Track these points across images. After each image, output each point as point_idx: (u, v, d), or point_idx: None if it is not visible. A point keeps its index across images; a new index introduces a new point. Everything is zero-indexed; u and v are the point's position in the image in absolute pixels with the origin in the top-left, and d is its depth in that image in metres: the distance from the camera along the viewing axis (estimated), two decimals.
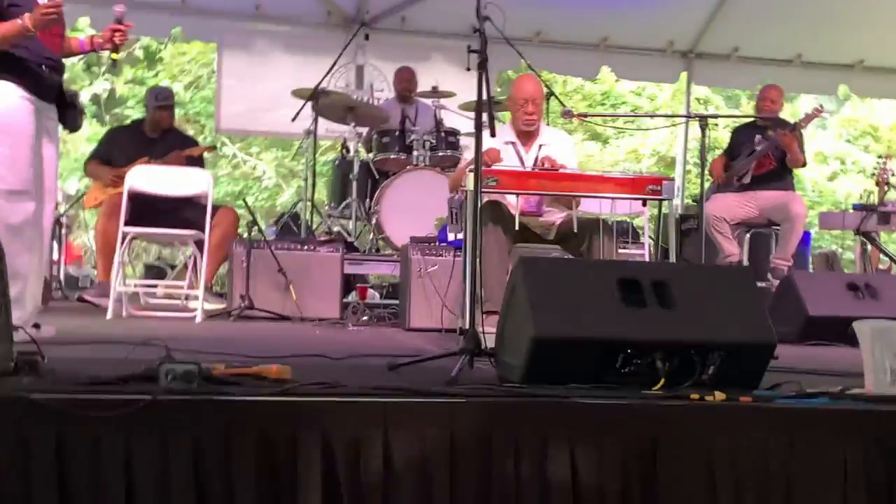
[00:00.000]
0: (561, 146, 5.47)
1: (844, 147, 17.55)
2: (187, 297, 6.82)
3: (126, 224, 6.05)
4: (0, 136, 4.06)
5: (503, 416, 2.67)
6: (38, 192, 4.22)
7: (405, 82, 8.58)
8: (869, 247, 7.85)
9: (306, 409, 2.54)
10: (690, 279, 3.20)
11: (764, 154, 7.52)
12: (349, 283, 7.35)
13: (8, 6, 4.11)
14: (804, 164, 7.78)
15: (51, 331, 4.14)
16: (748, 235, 7.76)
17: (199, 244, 6.39)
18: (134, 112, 14.54)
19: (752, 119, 7.93)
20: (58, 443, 2.35)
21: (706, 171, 5.66)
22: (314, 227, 7.92)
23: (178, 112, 8.84)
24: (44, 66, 4.23)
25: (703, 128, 5.22)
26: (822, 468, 2.77)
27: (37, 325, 4.02)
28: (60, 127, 4.45)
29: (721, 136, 13.02)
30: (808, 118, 7.44)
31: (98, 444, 2.37)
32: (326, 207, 8.37)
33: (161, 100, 7.40)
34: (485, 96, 3.71)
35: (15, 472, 2.32)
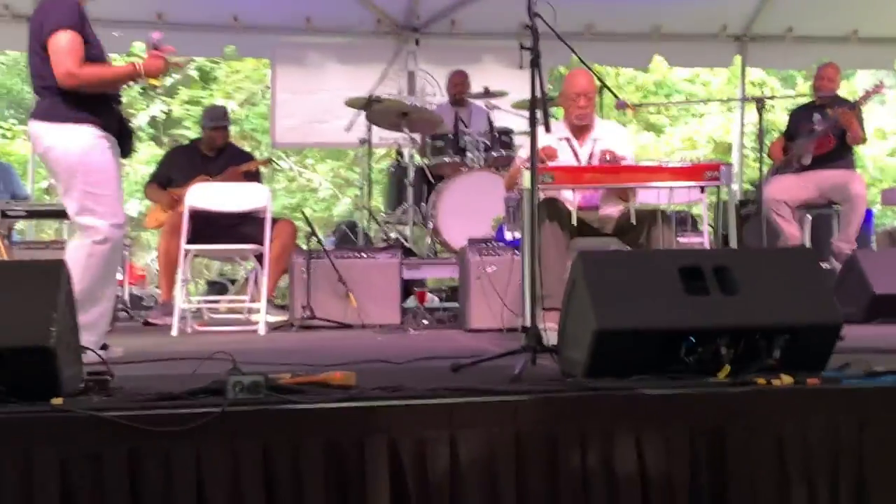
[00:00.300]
0: (616, 138, 5.44)
1: None
2: (250, 311, 6.89)
3: (188, 242, 6.13)
4: (91, 177, 4.20)
5: (568, 412, 2.65)
6: (123, 215, 4.41)
7: (458, 86, 8.57)
8: None
9: (372, 414, 2.55)
10: (752, 263, 3.15)
11: (824, 134, 7.40)
12: (408, 288, 7.37)
13: (85, 43, 4.23)
14: (864, 141, 7.63)
15: (118, 351, 4.22)
16: (810, 217, 7.65)
17: (260, 258, 6.46)
18: (191, 132, 14.72)
19: (809, 99, 7.82)
20: (130, 458, 2.38)
21: (765, 154, 5.58)
22: (371, 234, 7.96)
23: (233, 129, 8.94)
24: (113, 103, 4.36)
25: (760, 110, 5.17)
26: (894, 448, 2.72)
27: (105, 346, 4.10)
28: None
29: (778, 118, 12.85)
30: (868, 94, 7.30)
31: (169, 457, 2.40)
32: (383, 214, 8.40)
33: (215, 119, 7.49)
34: (538, 93, 3.70)
35: (89, 489, 2.36)
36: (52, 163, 4.28)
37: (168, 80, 15.27)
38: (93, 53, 4.26)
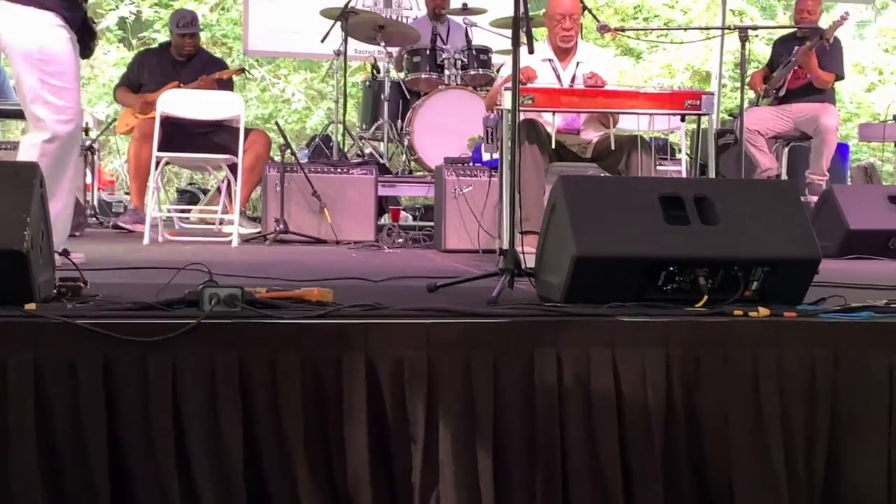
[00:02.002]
0: (599, 62, 5.38)
1: (882, 57, 17.16)
2: (222, 222, 6.84)
3: (159, 149, 6.04)
4: (49, 66, 4.07)
5: (546, 335, 2.65)
6: (80, 111, 4.27)
7: (439, 1, 8.43)
8: None
9: (350, 332, 2.53)
10: (733, 194, 3.14)
11: (798, 65, 7.38)
12: (381, 205, 7.34)
13: None
14: (839, 79, 7.59)
15: (79, 258, 4.16)
16: (786, 149, 7.66)
17: (233, 168, 6.39)
18: (160, 35, 14.44)
19: (793, 30, 7.77)
20: (105, 367, 2.36)
21: (745, 85, 5.55)
22: (346, 149, 7.89)
23: (204, 35, 8.78)
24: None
25: (743, 40, 5.12)
26: (868, 382, 2.74)
27: (65, 252, 4.03)
28: None
29: (756, 48, 12.78)
30: (833, 27, 7.25)
31: (144, 366, 2.38)
32: (358, 129, 8.33)
33: (182, 27, 7.31)
34: (522, 12, 3.64)
35: (63, 396, 2.34)
36: (7, 46, 4.13)
37: None
38: None
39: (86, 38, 4.35)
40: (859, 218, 5.73)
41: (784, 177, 7.56)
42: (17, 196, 2.65)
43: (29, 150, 4.08)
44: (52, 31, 4.09)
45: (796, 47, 7.47)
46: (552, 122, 4.90)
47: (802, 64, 7.23)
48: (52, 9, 4.09)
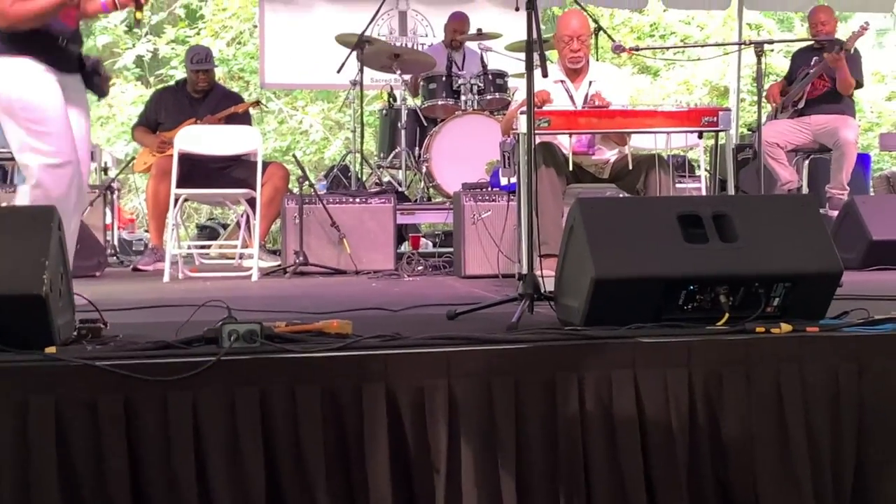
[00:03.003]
0: (611, 81, 5.38)
1: None
2: (242, 256, 6.86)
3: (177, 186, 6.07)
4: (29, 112, 4.09)
5: (567, 360, 2.64)
6: (72, 156, 4.22)
7: (458, 29, 8.43)
8: None
9: (369, 362, 2.52)
10: (751, 210, 3.12)
11: (817, 76, 7.35)
12: (401, 233, 7.34)
13: None
14: (858, 86, 7.56)
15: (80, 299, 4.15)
16: (807, 162, 7.62)
17: (251, 202, 6.41)
18: (178, 72, 14.56)
19: (807, 42, 7.75)
20: (126, 408, 2.36)
21: (763, 98, 5.53)
22: (364, 178, 7.91)
23: (221, 69, 8.84)
24: (61, 39, 4.22)
25: (759, 54, 5.10)
26: (894, 394, 2.71)
27: None
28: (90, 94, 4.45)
29: (773, 62, 12.74)
30: (854, 37, 7.23)
31: (165, 406, 2.38)
32: (376, 158, 8.35)
33: (196, 63, 7.36)
34: (535, 36, 3.64)
35: (85, 438, 2.34)
36: None
37: (149, 14, 15.08)
38: None
39: (91, 78, 4.36)
40: (882, 228, 5.69)
41: (805, 189, 7.52)
42: (35, 239, 2.66)
43: (20, 198, 4.11)
44: (30, 77, 4.11)
45: (815, 58, 7.44)
46: (568, 144, 4.89)
47: (834, 66, 7.17)
48: (28, 54, 4.11)
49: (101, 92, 4.47)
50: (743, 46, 7.17)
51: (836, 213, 6.60)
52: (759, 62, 5.14)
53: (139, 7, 4.29)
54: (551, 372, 2.60)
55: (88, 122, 4.44)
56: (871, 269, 5.55)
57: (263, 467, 2.41)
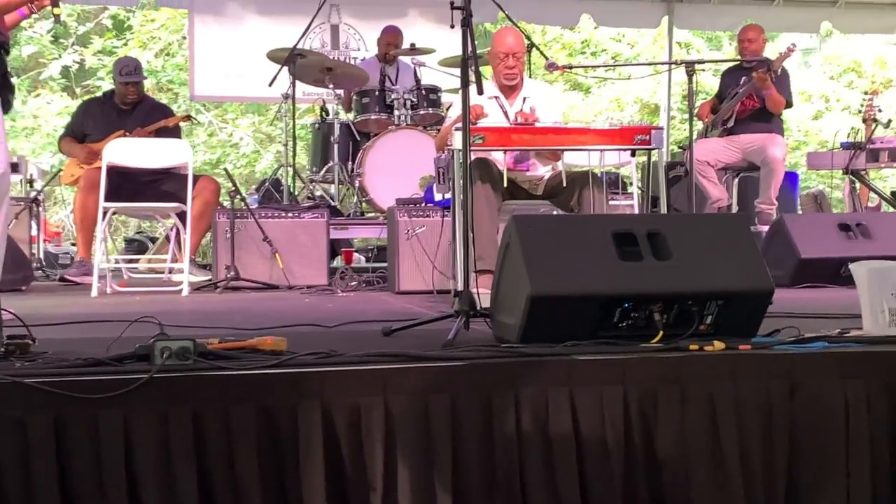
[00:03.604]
0: (545, 98, 5.41)
1: (829, 85, 17.44)
2: (171, 271, 6.76)
3: (106, 199, 5.96)
4: None
5: (503, 378, 2.64)
6: None
7: (391, 43, 8.42)
8: (858, 185, 7.82)
9: (305, 380, 2.50)
10: (685, 229, 3.16)
11: (746, 95, 7.48)
12: (333, 247, 7.30)
13: None
14: (787, 106, 7.71)
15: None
16: (736, 180, 7.74)
17: (181, 216, 6.33)
18: (105, 83, 14.36)
19: (736, 62, 7.88)
20: (56, 425, 2.31)
21: (694, 117, 5.61)
22: (296, 192, 7.86)
23: (150, 81, 8.73)
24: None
25: (690, 74, 5.18)
26: (825, 412, 2.75)
27: None
28: None
29: (703, 79, 12.93)
30: (781, 58, 7.38)
31: (96, 424, 2.34)
32: (308, 172, 8.30)
33: (125, 74, 7.24)
34: (470, 52, 3.65)
35: (14, 457, 2.28)
36: None
37: (75, 25, 14.86)
38: None
39: (4, 92, 4.27)
40: (810, 247, 5.79)
41: (735, 207, 7.63)
42: None
43: None
44: None
45: (743, 78, 7.57)
46: (503, 160, 4.91)
47: (759, 84, 7.30)
48: None
49: (8, 105, 4.35)
50: (674, 66, 7.29)
51: (765, 227, 6.71)
52: (690, 81, 5.21)
53: (55, 3, 4.21)
54: (488, 389, 2.60)
55: (2, 127, 4.34)
56: (801, 287, 5.64)
57: (197, 487, 2.37)
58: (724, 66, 8.52)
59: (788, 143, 9.85)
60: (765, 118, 7.55)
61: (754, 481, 2.68)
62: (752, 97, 7.50)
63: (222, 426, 2.42)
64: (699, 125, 7.77)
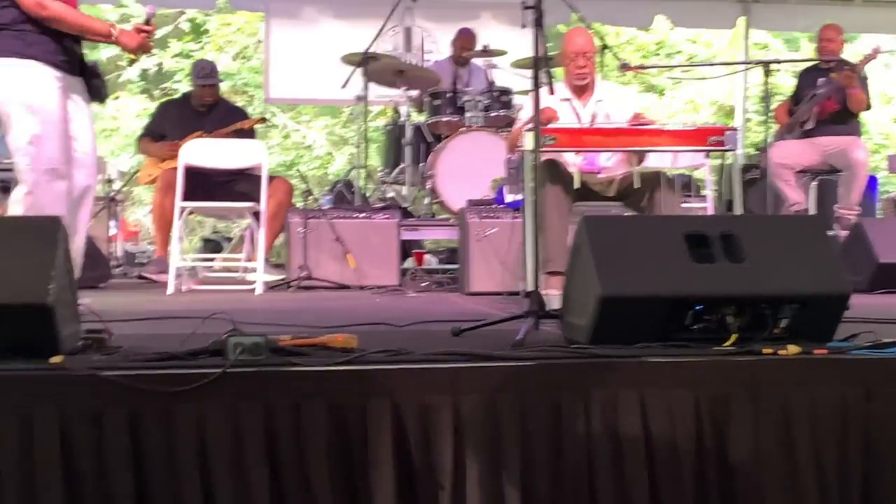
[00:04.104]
0: (618, 100, 5.37)
1: None
2: (245, 270, 6.85)
3: (182, 199, 6.06)
4: (30, 116, 4.09)
5: (572, 378, 2.63)
6: (68, 170, 4.24)
7: (466, 45, 8.41)
8: None
9: (375, 378, 2.52)
10: (759, 231, 3.11)
11: (826, 97, 7.34)
12: (404, 249, 7.33)
13: None
14: (868, 107, 7.56)
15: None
16: (814, 183, 7.61)
17: (256, 216, 6.41)
18: (182, 86, 14.59)
19: (816, 62, 7.74)
20: (131, 418, 2.36)
21: (770, 118, 5.53)
22: (368, 194, 7.90)
23: (226, 84, 8.84)
24: (66, 40, 4.23)
25: (766, 74, 5.11)
26: None
27: None
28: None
29: (779, 81, 12.73)
30: (865, 60, 7.24)
31: (171, 418, 2.38)
32: (380, 174, 8.34)
33: (202, 77, 7.34)
34: (541, 53, 3.64)
35: (90, 449, 2.33)
36: None
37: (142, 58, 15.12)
38: None
39: (94, 83, 4.36)
40: (890, 251, 5.68)
41: (812, 211, 7.50)
42: (41, 250, 2.66)
43: (13, 206, 4.10)
44: (35, 81, 4.12)
45: (821, 79, 7.43)
46: (575, 161, 4.89)
47: (845, 85, 7.16)
48: (35, 57, 4.11)
49: (101, 96, 4.46)
50: (750, 66, 7.19)
51: (845, 232, 6.58)
52: (766, 82, 5.14)
53: (134, 51, 4.32)
54: (557, 390, 2.59)
55: (92, 123, 4.44)
56: (879, 293, 5.53)
57: (268, 481, 2.40)
58: (801, 67, 8.37)
59: (868, 147, 9.65)
60: (845, 120, 7.40)
61: (829, 488, 2.63)
62: (831, 98, 7.36)
63: (293, 422, 2.44)
64: (775, 127, 7.64)
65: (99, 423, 2.34)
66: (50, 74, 4.16)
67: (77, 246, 4.19)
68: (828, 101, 7.34)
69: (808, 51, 14.98)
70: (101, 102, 4.52)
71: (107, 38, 4.20)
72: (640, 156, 5.03)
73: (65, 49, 4.22)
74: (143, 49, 4.32)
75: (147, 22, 4.34)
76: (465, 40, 8.46)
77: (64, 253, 2.74)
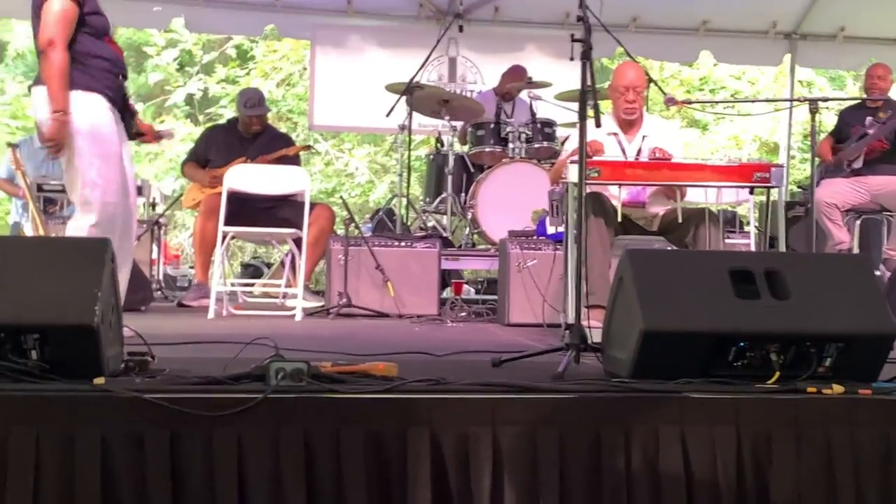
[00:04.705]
0: (664, 135, 5.35)
1: None
2: (285, 296, 6.87)
3: (225, 223, 6.11)
4: (97, 148, 4.17)
5: (613, 412, 2.62)
6: (120, 194, 4.33)
7: (516, 82, 8.38)
8: None
9: (415, 406, 2.52)
10: (804, 268, 3.09)
11: (875, 137, 7.26)
12: (443, 278, 7.33)
13: (89, 13, 4.20)
14: None
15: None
16: (858, 222, 7.52)
17: (297, 242, 6.44)
18: (227, 111, 14.74)
19: (859, 100, 7.68)
20: (172, 441, 2.37)
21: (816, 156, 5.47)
22: (409, 222, 7.92)
23: (270, 110, 8.91)
24: (120, 76, 4.32)
25: (814, 112, 5.07)
26: None
27: None
28: None
29: (826, 119, 12.63)
30: None
31: (210, 441, 2.39)
32: (421, 202, 8.36)
33: (250, 107, 7.39)
34: (589, 85, 3.64)
35: (130, 470, 2.34)
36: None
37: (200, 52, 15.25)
38: (95, 25, 4.23)
39: (127, 118, 4.44)
40: None
41: (856, 250, 7.41)
42: (88, 271, 2.70)
43: (76, 233, 4.15)
44: (100, 114, 4.19)
45: (869, 118, 7.35)
46: (618, 195, 4.88)
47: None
48: (97, 90, 4.19)
49: (132, 133, 4.53)
50: (796, 103, 7.13)
51: (889, 273, 6.49)
52: (813, 119, 5.10)
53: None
54: (597, 423, 2.58)
55: (132, 159, 4.53)
56: None
57: None
58: (843, 105, 8.30)
59: None
60: (894, 160, 7.31)
61: None
62: (880, 139, 7.27)
63: (332, 448, 2.44)
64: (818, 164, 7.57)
65: (140, 444, 2.36)
66: (108, 107, 4.24)
67: (124, 273, 4.25)
68: (877, 140, 7.27)
69: (852, 89, 14.89)
70: (132, 139, 4.58)
71: (52, 112, 4.17)
72: (683, 190, 5.01)
73: (118, 84, 4.32)
74: (52, 144, 4.24)
75: (160, 137, 4.42)
76: (516, 77, 8.44)
77: (111, 274, 2.77)
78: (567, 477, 2.53)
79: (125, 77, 4.42)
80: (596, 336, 3.30)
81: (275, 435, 2.42)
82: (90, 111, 4.19)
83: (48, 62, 4.13)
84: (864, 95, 7.66)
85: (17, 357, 2.56)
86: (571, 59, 3.76)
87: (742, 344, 2.90)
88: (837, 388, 2.74)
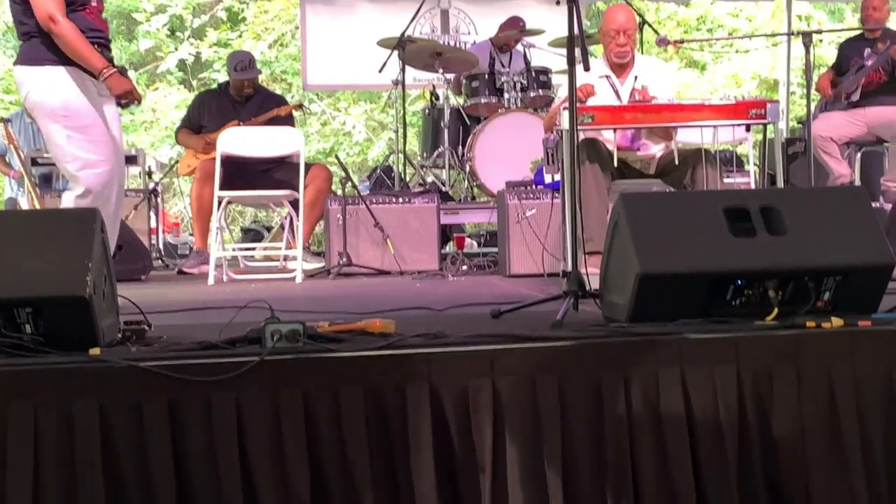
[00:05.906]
0: (657, 75, 5.30)
1: None
2: (286, 258, 6.87)
3: (220, 188, 6.08)
4: (73, 121, 4.15)
5: (612, 357, 2.60)
6: (114, 159, 4.32)
7: (515, 32, 8.31)
8: None
9: (413, 361, 2.51)
10: (800, 203, 3.06)
11: (873, 68, 7.19)
12: (445, 233, 7.31)
13: None
14: None
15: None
16: (859, 155, 7.47)
17: (294, 204, 6.42)
18: (220, 75, 14.65)
19: (858, 32, 7.59)
20: (170, 408, 2.37)
21: (812, 90, 5.41)
22: (407, 178, 7.90)
23: (264, 72, 8.86)
24: (96, 45, 4.27)
25: (808, 45, 5.02)
26: None
27: None
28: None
29: (824, 53, 12.52)
30: None
31: (210, 407, 2.38)
32: (419, 158, 8.32)
33: (240, 71, 7.35)
34: (576, 30, 3.59)
35: (130, 439, 2.34)
36: (34, 108, 4.21)
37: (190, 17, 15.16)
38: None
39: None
40: None
41: (857, 183, 7.36)
42: (78, 242, 2.68)
43: (67, 206, 4.15)
44: (70, 86, 4.16)
45: (867, 49, 7.27)
46: (613, 139, 4.84)
47: None
48: (67, 63, 4.16)
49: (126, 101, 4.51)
50: (791, 37, 7.06)
51: (891, 205, 6.46)
52: (807, 53, 5.05)
53: (118, 98, 4.35)
54: (597, 370, 2.57)
55: (119, 123, 4.49)
56: None
57: (308, 468, 2.40)
58: (843, 37, 8.21)
59: None
60: (892, 91, 7.24)
61: (875, 461, 2.59)
62: (878, 70, 7.20)
63: (332, 408, 2.44)
64: (817, 98, 7.50)
65: (138, 413, 2.35)
66: (84, 77, 4.20)
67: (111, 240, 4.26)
68: (875, 71, 7.20)
69: (851, 21, 14.74)
70: (125, 107, 4.55)
71: (98, 73, 4.19)
72: (674, 130, 4.98)
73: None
74: (129, 97, 4.33)
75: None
76: (511, 25, 8.34)
77: (101, 244, 2.75)
78: (568, 424, 2.52)
79: (106, 46, 4.37)
80: (595, 282, 3.28)
81: (274, 397, 2.41)
82: (57, 87, 4.17)
83: (59, 38, 4.14)
84: (862, 26, 7.58)
85: (11, 332, 2.55)
86: (557, 2, 3.71)
87: (739, 282, 2.88)
88: (837, 322, 2.71)
